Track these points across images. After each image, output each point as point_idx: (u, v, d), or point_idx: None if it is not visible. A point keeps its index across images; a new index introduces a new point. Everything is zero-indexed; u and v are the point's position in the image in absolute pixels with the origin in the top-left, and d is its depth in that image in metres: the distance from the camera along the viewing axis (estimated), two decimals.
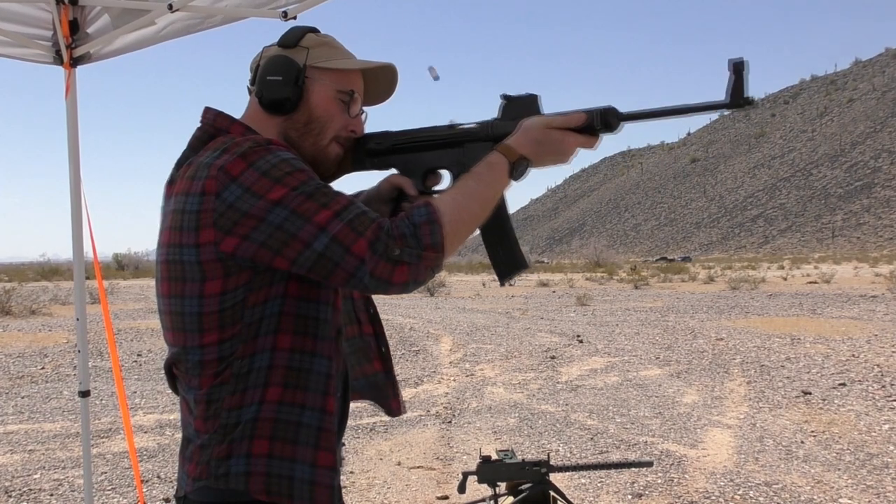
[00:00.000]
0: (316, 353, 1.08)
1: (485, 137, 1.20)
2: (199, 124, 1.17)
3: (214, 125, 1.14)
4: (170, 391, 1.21)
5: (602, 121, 1.12)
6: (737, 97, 1.02)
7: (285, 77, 1.14)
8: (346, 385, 1.22)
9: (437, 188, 1.26)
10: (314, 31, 1.21)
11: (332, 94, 1.18)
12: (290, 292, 1.07)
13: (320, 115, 1.17)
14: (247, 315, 1.05)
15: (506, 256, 1.24)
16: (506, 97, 1.20)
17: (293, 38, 1.17)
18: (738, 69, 1.02)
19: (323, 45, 1.19)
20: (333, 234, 0.99)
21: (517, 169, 1.12)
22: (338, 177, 1.30)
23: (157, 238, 1.12)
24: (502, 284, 1.26)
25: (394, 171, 1.28)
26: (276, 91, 1.14)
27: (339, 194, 1.05)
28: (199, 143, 1.13)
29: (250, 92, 1.20)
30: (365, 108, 1.27)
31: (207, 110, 1.17)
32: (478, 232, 1.27)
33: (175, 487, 1.16)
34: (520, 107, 1.18)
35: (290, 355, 1.07)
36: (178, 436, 1.17)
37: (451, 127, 1.24)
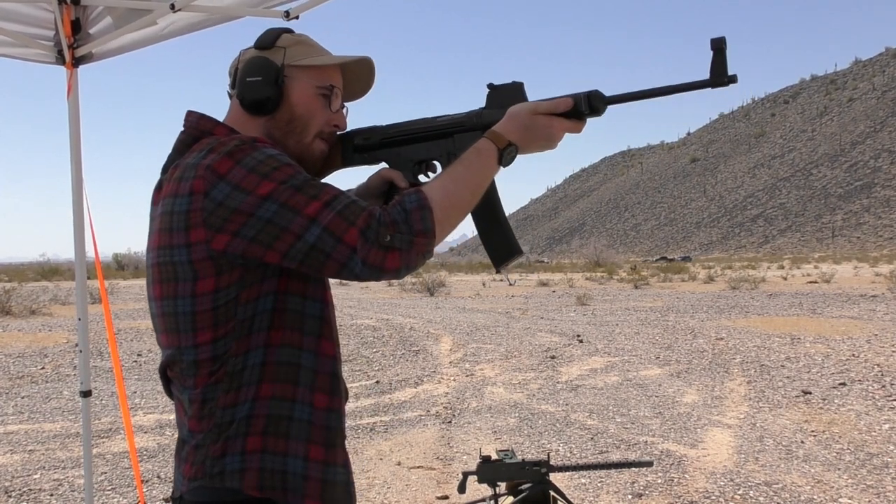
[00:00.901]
0: (303, 349, 1.09)
1: (473, 126, 1.20)
2: (182, 128, 1.17)
3: (198, 128, 1.15)
4: None
5: (588, 105, 1.12)
6: (719, 75, 1.02)
7: (265, 77, 1.15)
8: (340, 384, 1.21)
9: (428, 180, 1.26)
10: (289, 31, 1.22)
11: (313, 90, 1.19)
12: (280, 289, 1.07)
13: (302, 112, 1.18)
14: (239, 312, 1.05)
15: (500, 243, 1.24)
16: (492, 86, 1.20)
17: (269, 39, 1.18)
18: (718, 48, 1.02)
19: (299, 44, 1.20)
20: (325, 225, 1.00)
21: (505, 155, 1.13)
22: (326, 174, 1.30)
23: (146, 243, 1.12)
24: (498, 271, 1.26)
25: (384, 165, 1.28)
26: (256, 92, 1.15)
27: (327, 185, 1.05)
28: (183, 146, 1.14)
29: (230, 96, 1.21)
30: (346, 104, 1.28)
31: (190, 113, 1.17)
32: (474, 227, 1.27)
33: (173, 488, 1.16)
34: (506, 95, 1.18)
35: (282, 351, 1.07)
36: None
37: (439, 118, 1.24)
